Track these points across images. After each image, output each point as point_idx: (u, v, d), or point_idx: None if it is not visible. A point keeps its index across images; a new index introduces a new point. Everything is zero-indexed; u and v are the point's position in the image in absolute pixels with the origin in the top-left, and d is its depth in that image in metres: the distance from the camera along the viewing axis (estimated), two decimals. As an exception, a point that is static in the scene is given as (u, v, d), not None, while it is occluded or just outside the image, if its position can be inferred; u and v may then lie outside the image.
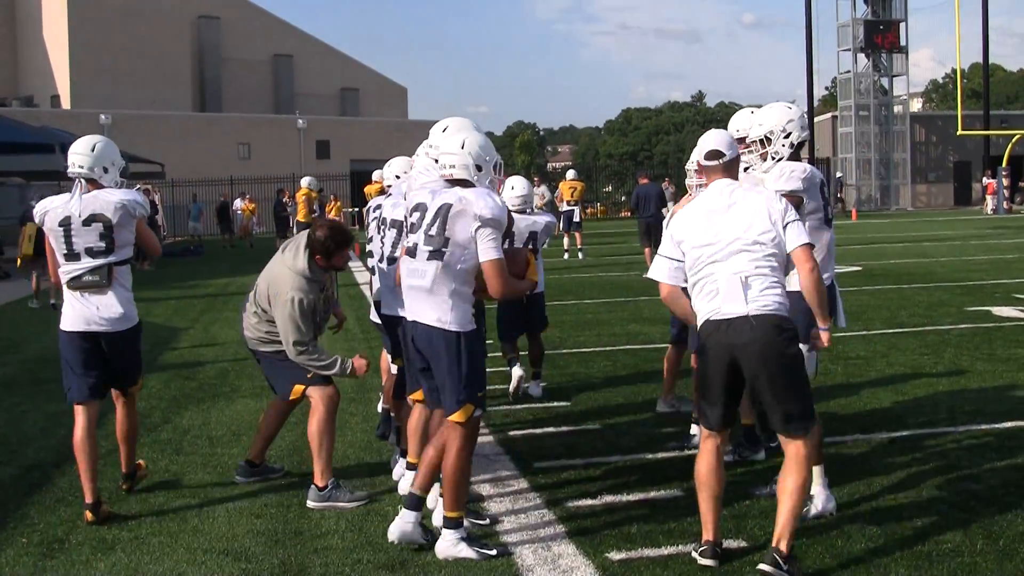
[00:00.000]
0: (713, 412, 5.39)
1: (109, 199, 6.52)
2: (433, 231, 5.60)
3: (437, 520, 5.97)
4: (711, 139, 5.64)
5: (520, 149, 69.15)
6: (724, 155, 5.55)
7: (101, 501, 6.41)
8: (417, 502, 5.77)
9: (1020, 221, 41.11)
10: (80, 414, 6.52)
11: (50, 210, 6.49)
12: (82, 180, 6.55)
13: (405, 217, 5.98)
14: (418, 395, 6.29)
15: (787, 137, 6.45)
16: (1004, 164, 51.38)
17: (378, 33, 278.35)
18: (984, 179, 53.51)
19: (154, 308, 18.63)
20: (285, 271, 6.71)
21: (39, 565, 5.71)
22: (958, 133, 52.09)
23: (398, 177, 7.52)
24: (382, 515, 6.34)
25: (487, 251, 5.52)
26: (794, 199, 6.15)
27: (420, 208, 5.74)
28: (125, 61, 61.96)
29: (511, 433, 8.31)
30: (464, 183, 5.70)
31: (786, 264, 5.38)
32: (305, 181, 26.52)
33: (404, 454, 6.91)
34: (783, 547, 5.09)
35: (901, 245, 28.86)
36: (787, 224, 5.34)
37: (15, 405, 10.12)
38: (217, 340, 14.24)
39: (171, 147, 51.70)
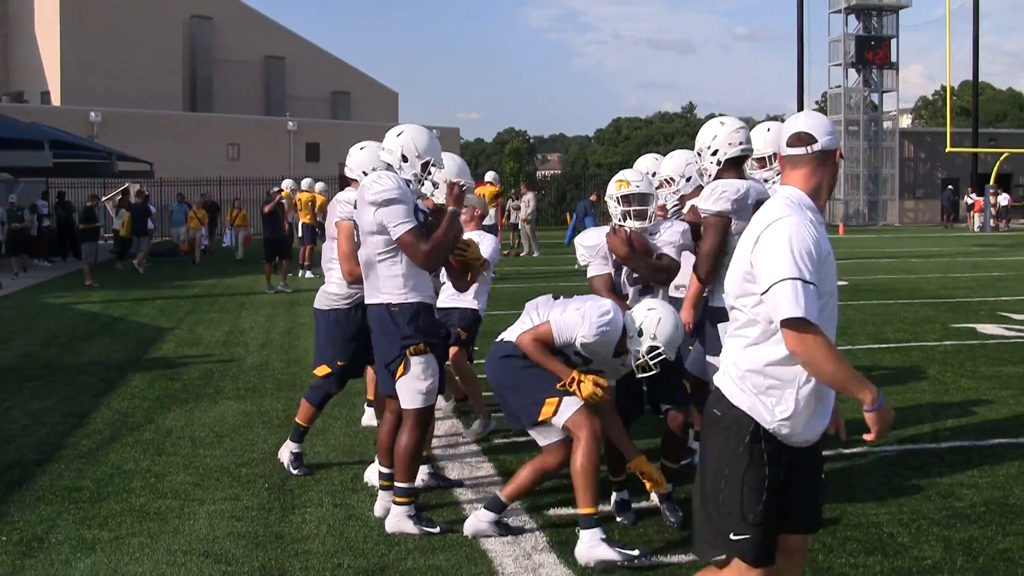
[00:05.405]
0: None
1: None
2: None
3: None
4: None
5: (510, 156, 68.96)
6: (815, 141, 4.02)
7: None
8: (499, 505, 5.97)
9: (1007, 239, 41.26)
10: None
11: None
12: None
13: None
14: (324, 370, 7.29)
15: (713, 154, 6.41)
16: (992, 182, 51.56)
17: (371, 37, 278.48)
18: (967, 197, 53.65)
19: (140, 308, 18.61)
20: None
21: (18, 564, 5.68)
22: (947, 150, 52.24)
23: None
24: (363, 520, 6.33)
25: (393, 229, 5.85)
26: (720, 220, 6.15)
27: None
28: (116, 59, 61.86)
29: (495, 440, 8.30)
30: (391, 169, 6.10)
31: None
32: (286, 184, 25.74)
33: None
34: None
35: (887, 260, 28.93)
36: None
37: (-2, 402, 10.08)
38: (202, 341, 14.20)
39: (160, 146, 51.55)
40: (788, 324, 3.64)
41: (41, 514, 6.54)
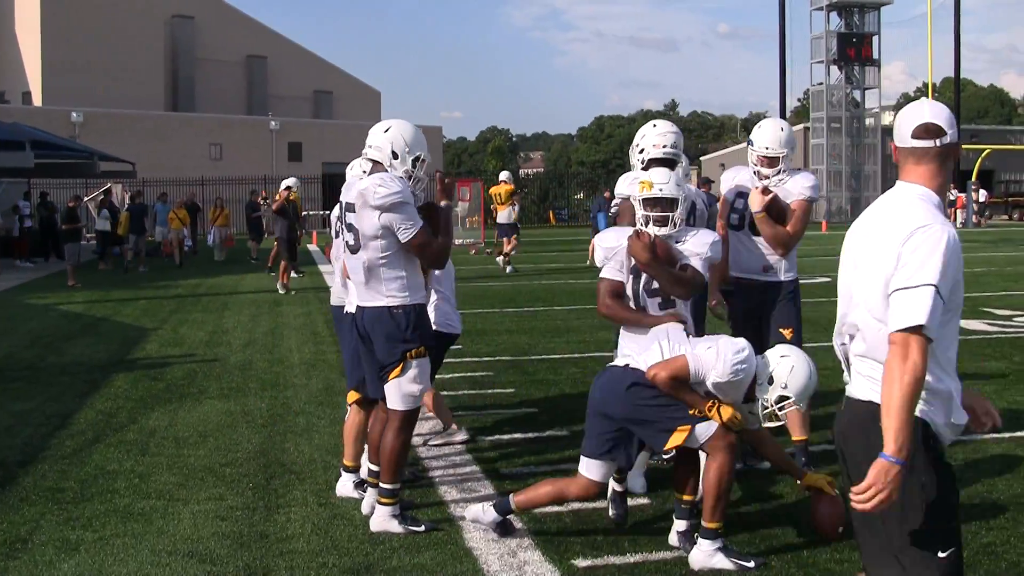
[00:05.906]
0: None
1: None
2: (348, 229, 6.07)
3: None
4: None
5: (492, 155, 69.13)
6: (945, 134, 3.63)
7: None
8: (508, 508, 5.87)
9: (988, 235, 41.43)
10: None
11: None
12: None
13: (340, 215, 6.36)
14: (353, 395, 6.81)
15: (640, 152, 6.85)
16: (974, 178, 51.80)
17: (353, 36, 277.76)
18: (950, 193, 53.90)
19: (123, 308, 18.55)
20: None
21: (1, 565, 5.65)
22: (928, 147, 52.38)
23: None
24: (348, 519, 6.32)
25: (404, 232, 5.83)
26: (631, 205, 6.44)
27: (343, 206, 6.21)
28: (98, 59, 61.67)
29: (479, 439, 8.30)
30: (378, 166, 6.02)
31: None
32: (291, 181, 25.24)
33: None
34: None
35: (870, 257, 28.95)
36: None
37: (-20, 403, 10.03)
38: (185, 341, 14.16)
39: (142, 146, 51.45)
40: (911, 330, 3.34)
41: (24, 515, 6.51)
